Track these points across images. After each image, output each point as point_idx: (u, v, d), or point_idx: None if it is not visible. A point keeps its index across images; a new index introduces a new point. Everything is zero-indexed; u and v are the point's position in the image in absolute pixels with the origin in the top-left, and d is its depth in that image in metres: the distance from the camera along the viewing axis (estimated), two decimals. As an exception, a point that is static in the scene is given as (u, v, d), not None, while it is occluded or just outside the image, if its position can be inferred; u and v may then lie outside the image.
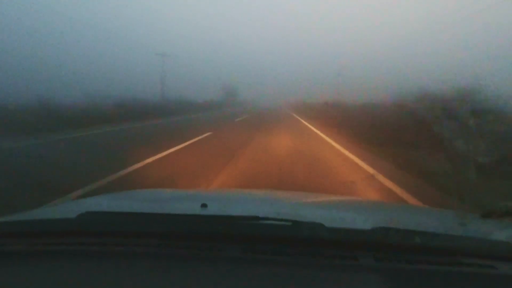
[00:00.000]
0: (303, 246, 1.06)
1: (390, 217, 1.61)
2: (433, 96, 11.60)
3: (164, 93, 42.31)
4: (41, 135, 10.68)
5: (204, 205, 1.37)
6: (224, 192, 2.90)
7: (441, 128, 8.09)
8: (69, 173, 5.88)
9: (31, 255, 1.06)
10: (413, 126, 9.57)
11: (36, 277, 0.94)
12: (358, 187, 5.16)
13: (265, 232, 1.10)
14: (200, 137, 11.21)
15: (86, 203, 1.73)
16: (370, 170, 6.32)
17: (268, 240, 1.09)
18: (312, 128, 16.21)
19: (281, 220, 1.09)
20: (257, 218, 1.08)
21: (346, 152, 8.43)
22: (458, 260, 1.02)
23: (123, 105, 22.61)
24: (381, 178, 5.63)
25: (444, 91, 11.10)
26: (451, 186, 4.91)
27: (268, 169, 6.25)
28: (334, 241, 1.07)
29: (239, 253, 1.04)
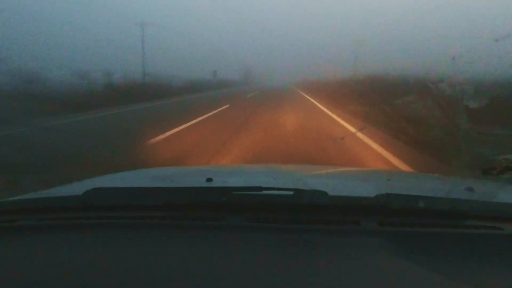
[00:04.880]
0: (306, 214, 1.05)
1: (393, 184, 1.60)
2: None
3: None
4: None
5: (209, 179, 1.36)
6: (229, 167, 2.94)
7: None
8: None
9: (39, 229, 1.08)
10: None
11: (44, 249, 0.96)
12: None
13: (269, 201, 1.09)
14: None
15: (91, 182, 1.73)
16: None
17: (271, 209, 1.08)
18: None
19: (284, 189, 1.08)
20: (260, 188, 1.07)
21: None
22: (462, 222, 1.01)
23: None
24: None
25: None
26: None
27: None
28: (337, 208, 1.05)
29: (243, 222, 1.04)
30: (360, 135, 6.77)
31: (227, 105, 14.72)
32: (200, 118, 10.02)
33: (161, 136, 6.90)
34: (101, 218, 1.10)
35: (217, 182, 1.39)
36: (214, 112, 12.11)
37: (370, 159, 5.09)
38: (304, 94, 27.01)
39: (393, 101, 10.34)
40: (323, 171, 2.16)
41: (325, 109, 13.23)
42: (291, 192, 1.05)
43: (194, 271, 0.80)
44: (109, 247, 0.95)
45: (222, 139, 6.61)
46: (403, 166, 4.61)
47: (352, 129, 8.04)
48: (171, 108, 14.62)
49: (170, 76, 32.82)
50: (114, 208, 1.15)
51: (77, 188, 1.47)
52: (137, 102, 16.12)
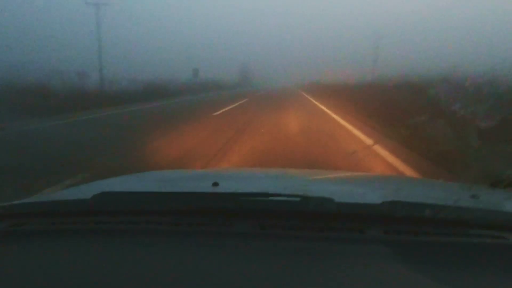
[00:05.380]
0: (312, 221, 1.11)
1: (399, 191, 1.67)
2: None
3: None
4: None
5: (215, 184, 1.44)
6: (235, 171, 3.09)
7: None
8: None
9: (46, 233, 1.15)
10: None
11: (51, 254, 1.03)
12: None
13: (275, 207, 1.16)
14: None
15: (99, 184, 1.84)
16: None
17: (277, 215, 1.15)
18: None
19: (290, 195, 1.15)
20: (266, 194, 1.14)
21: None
22: (468, 231, 1.07)
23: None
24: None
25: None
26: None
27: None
28: (342, 215, 1.12)
29: (249, 228, 1.10)
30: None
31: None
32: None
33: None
34: (108, 223, 1.18)
35: (223, 186, 1.47)
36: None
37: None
38: (321, 106, 17.75)
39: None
40: (329, 176, 2.26)
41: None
42: (297, 199, 1.11)
43: (201, 277, 0.86)
44: (115, 252, 1.02)
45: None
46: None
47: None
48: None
49: (134, 77, 27.65)
50: (121, 213, 1.22)
51: (84, 191, 1.57)
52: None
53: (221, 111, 14.99)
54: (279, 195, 1.16)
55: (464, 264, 0.94)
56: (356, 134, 8.88)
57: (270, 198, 1.14)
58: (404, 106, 10.30)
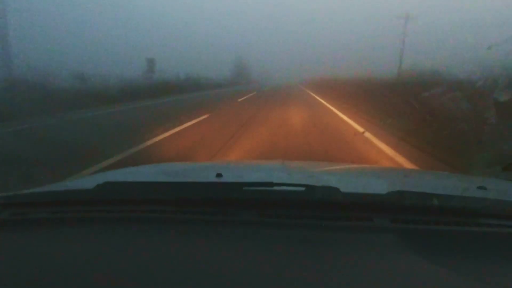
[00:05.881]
0: (317, 210, 1.14)
1: (405, 181, 1.73)
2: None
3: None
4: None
5: (219, 175, 1.47)
6: (238, 162, 3.20)
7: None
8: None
9: (51, 222, 1.19)
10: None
11: (55, 242, 1.06)
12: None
13: (280, 197, 1.18)
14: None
15: (103, 175, 1.90)
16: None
17: (282, 205, 1.17)
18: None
19: (295, 185, 1.17)
20: (271, 183, 1.16)
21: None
22: (476, 220, 1.11)
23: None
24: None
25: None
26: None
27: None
28: (349, 205, 1.14)
29: (254, 217, 1.13)
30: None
31: None
32: None
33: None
34: (112, 212, 1.20)
35: (227, 178, 1.49)
36: None
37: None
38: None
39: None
40: (336, 167, 2.32)
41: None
42: (302, 188, 1.14)
43: (205, 265, 0.88)
44: (119, 241, 1.04)
45: None
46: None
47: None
48: None
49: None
50: (125, 202, 1.25)
51: (89, 182, 1.59)
52: None
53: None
54: (284, 184, 1.18)
55: (472, 252, 0.97)
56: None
57: (275, 187, 1.16)
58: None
